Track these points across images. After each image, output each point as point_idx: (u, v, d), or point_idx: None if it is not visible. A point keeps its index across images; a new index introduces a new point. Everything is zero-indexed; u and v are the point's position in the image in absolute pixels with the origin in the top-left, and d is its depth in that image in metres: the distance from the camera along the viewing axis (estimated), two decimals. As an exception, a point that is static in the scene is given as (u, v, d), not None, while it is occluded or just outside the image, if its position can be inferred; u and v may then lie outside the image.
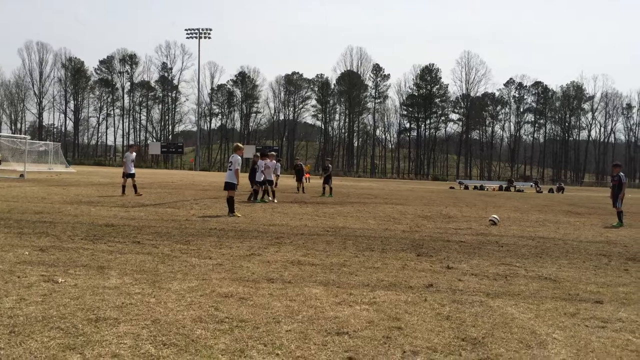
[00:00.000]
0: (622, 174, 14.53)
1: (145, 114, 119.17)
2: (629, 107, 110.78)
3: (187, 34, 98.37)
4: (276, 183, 25.18)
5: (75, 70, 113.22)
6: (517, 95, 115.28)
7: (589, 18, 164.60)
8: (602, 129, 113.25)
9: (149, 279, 5.64)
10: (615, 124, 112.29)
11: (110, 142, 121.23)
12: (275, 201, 17.83)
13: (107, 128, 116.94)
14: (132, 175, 18.23)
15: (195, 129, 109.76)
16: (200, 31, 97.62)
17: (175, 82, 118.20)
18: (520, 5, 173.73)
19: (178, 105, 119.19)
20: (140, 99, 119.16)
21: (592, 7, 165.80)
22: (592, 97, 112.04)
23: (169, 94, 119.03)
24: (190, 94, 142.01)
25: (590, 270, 7.27)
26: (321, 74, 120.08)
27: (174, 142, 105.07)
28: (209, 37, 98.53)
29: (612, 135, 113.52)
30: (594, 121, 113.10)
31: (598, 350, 3.95)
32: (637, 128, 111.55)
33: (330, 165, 23.46)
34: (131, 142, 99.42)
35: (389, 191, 32.64)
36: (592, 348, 3.98)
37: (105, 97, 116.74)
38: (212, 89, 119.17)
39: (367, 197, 23.83)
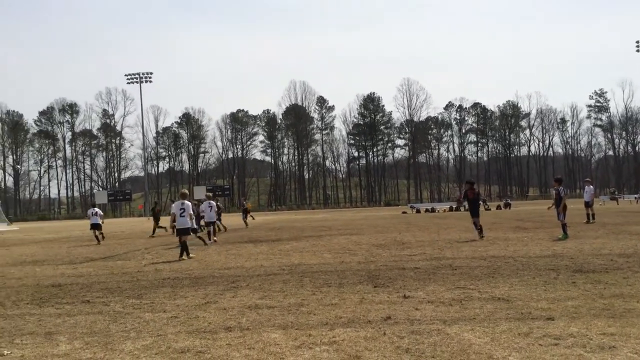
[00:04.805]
0: (561, 187, 15.15)
1: (89, 163, 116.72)
2: (563, 121, 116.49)
3: (128, 79, 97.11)
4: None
5: (13, 124, 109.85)
6: (458, 117, 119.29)
7: (521, 39, 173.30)
8: (541, 144, 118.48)
9: (100, 341, 5.43)
10: (552, 138, 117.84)
11: (53, 195, 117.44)
12: (211, 240, 18.14)
13: (49, 181, 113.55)
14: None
15: (142, 174, 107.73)
16: (141, 75, 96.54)
17: (118, 128, 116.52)
18: (452, 32, 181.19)
19: (123, 151, 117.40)
20: (83, 148, 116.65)
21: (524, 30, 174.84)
22: (528, 114, 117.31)
23: (113, 140, 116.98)
24: (134, 139, 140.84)
25: (540, 286, 7.48)
26: (267, 109, 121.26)
27: (121, 190, 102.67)
28: (150, 81, 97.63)
29: (551, 149, 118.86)
30: (532, 137, 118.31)
31: (552, 368, 4.05)
32: (572, 141, 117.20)
33: (244, 202, 30.41)
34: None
35: (343, 221, 32.80)
36: (546, 367, 4.09)
37: (45, 149, 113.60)
38: (157, 132, 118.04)
39: (322, 230, 23.85)
